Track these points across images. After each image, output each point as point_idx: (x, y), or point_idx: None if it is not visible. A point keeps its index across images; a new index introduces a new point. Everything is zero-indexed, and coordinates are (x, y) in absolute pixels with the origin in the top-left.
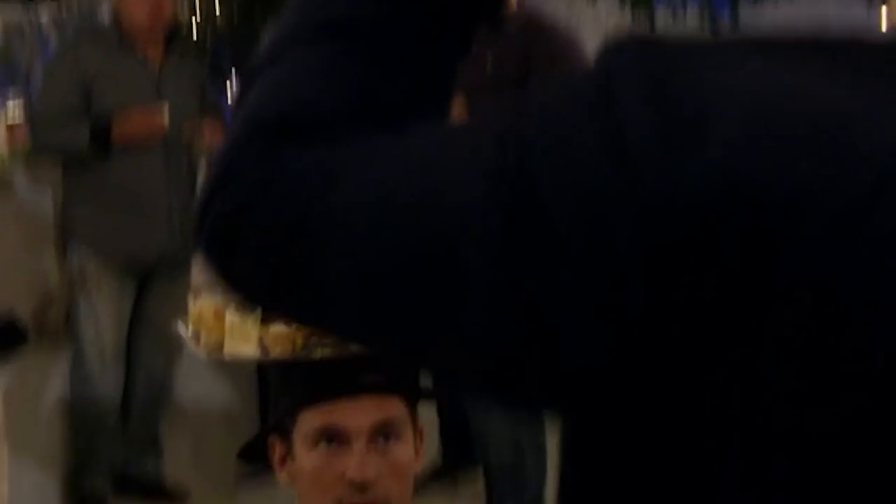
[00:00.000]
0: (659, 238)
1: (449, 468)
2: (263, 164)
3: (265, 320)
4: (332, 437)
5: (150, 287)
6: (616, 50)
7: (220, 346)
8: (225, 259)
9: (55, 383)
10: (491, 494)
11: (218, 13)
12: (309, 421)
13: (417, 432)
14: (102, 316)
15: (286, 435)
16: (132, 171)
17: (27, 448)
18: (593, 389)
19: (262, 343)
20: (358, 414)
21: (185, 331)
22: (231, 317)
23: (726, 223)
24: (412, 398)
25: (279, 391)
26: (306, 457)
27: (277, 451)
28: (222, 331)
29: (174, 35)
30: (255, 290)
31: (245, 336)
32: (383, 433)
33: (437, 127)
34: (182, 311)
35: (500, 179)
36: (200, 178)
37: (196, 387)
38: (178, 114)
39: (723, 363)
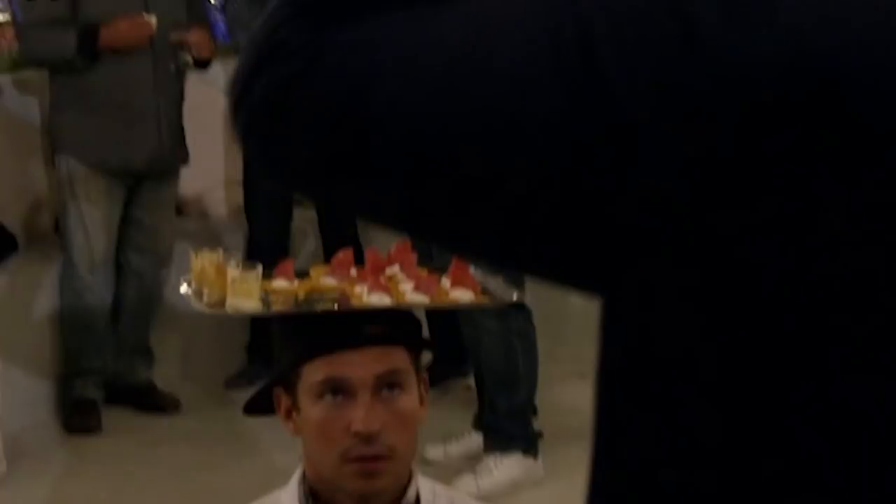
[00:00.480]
0: (724, 111)
1: (440, 376)
2: (312, 39)
3: (267, 275)
4: (337, 390)
5: (140, 193)
6: None
7: (222, 301)
8: (266, 137)
9: (46, 290)
10: (482, 399)
11: None
12: (313, 373)
13: (422, 382)
14: (91, 222)
15: (291, 388)
16: (120, 79)
17: (19, 355)
18: (658, 251)
19: (264, 298)
20: (362, 365)
21: (186, 287)
22: (233, 272)
23: (800, 98)
24: (415, 348)
25: (282, 345)
26: (311, 409)
27: (283, 403)
28: (224, 286)
29: None
30: (295, 169)
31: (247, 291)
32: (387, 384)
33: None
34: (171, 218)
35: (560, 56)
36: (187, 86)
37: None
38: (165, 22)
39: (793, 221)
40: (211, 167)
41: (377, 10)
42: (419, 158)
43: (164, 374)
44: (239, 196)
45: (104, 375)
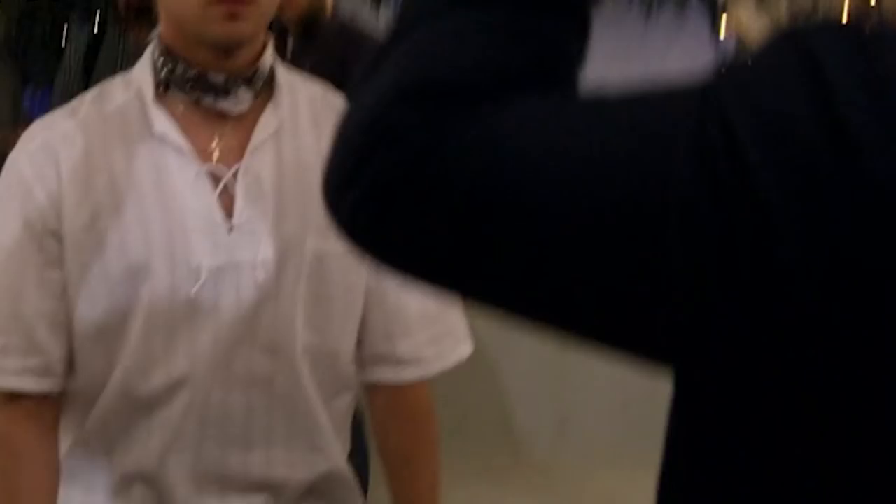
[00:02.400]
0: (877, 220)
1: None
2: (427, 125)
3: None
4: None
5: None
6: (816, 34)
7: None
8: (376, 224)
9: None
10: None
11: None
12: None
13: None
14: None
15: None
16: None
17: None
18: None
19: None
20: None
21: None
22: None
23: None
24: None
25: None
26: None
27: None
28: None
29: None
30: (405, 256)
31: None
32: None
33: (603, 93)
34: None
35: (704, 151)
36: None
37: None
38: None
39: None
40: None
41: (493, 99)
42: (539, 249)
43: None
44: None
45: None
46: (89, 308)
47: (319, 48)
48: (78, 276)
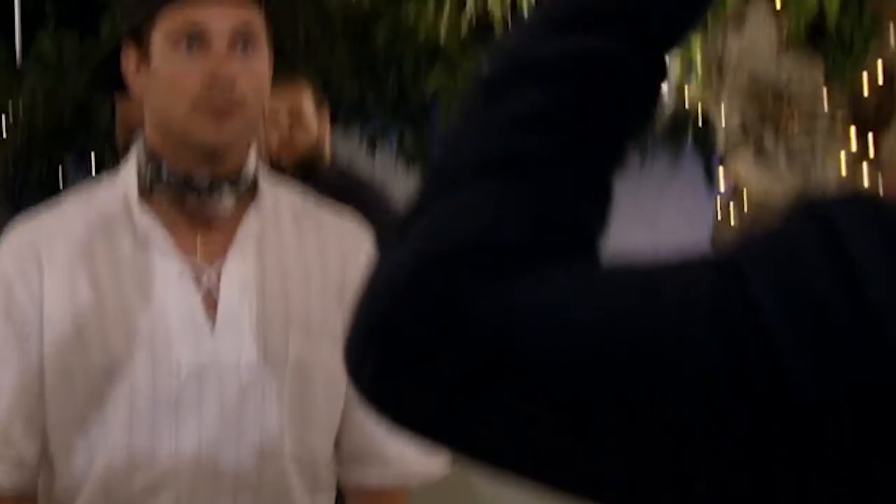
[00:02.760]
0: None
1: None
2: (451, 297)
3: None
4: (193, 40)
5: None
6: (837, 206)
7: None
8: (400, 385)
9: None
10: None
11: None
12: (171, 20)
13: (271, 49)
14: None
15: (142, 41)
16: None
17: None
18: None
19: None
20: (221, 16)
21: None
22: None
23: None
24: (268, 13)
25: None
26: (166, 58)
27: (132, 59)
28: None
29: None
30: (427, 416)
31: None
32: (242, 40)
33: (626, 262)
34: None
35: (726, 322)
36: None
37: None
38: None
39: None
40: None
41: (517, 268)
42: (559, 419)
43: None
44: None
45: None
46: (70, 405)
47: (317, 194)
48: (59, 372)
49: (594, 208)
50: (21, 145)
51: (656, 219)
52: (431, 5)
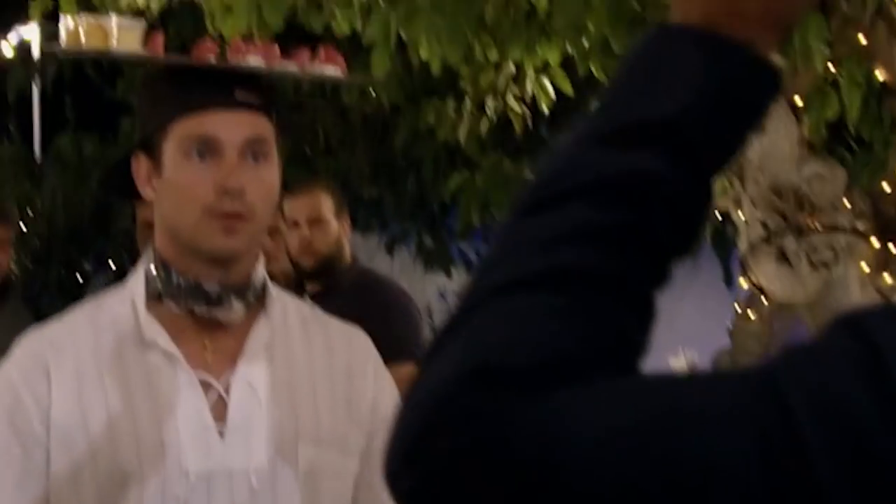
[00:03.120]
0: None
1: None
2: (493, 414)
3: None
4: (205, 150)
5: None
6: (877, 320)
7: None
8: (433, 499)
9: None
10: None
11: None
12: (183, 130)
13: (280, 157)
14: None
15: (154, 150)
16: None
17: None
18: None
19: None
20: (232, 126)
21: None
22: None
23: None
24: (279, 124)
25: (150, 105)
26: (177, 168)
27: (144, 167)
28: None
29: (6, 288)
30: None
31: (130, 41)
32: (253, 152)
33: (664, 378)
34: None
35: (765, 439)
36: None
37: None
38: None
39: None
40: None
41: (558, 385)
42: None
43: None
44: None
45: None
46: None
47: (338, 295)
48: (67, 479)
49: (637, 325)
50: (40, 247)
51: (675, 319)
52: (451, 107)
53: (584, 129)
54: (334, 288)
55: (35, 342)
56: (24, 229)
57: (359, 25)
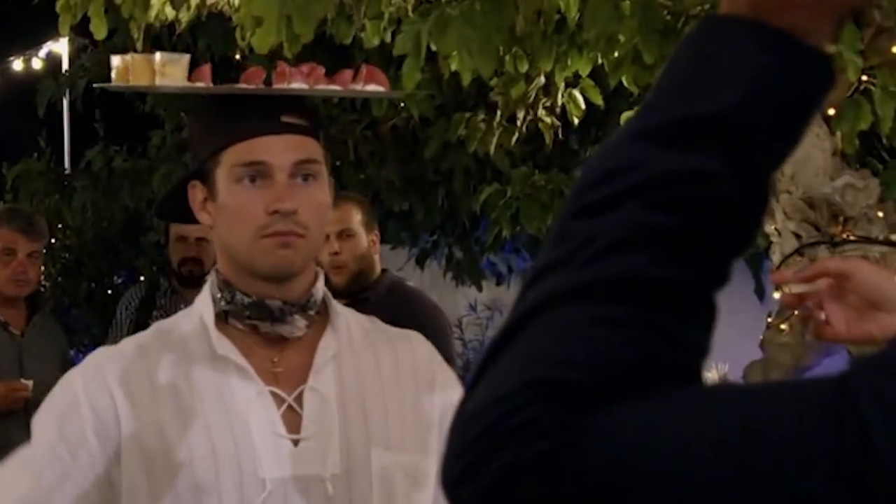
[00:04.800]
0: None
1: None
2: (559, 427)
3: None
4: (256, 174)
5: None
6: None
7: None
8: None
9: None
10: None
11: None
12: (234, 157)
13: (330, 181)
14: None
15: (207, 178)
16: None
17: None
18: None
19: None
20: (281, 150)
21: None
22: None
23: None
24: (326, 141)
25: (200, 135)
26: (230, 193)
27: (198, 195)
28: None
29: (36, 301)
30: None
31: (174, 74)
32: (302, 173)
33: (734, 386)
34: None
35: (842, 460)
36: None
37: None
38: (41, 383)
39: None
40: None
41: (623, 397)
42: None
43: None
44: None
45: None
46: None
47: (369, 309)
48: (146, 494)
49: (698, 329)
50: (69, 260)
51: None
52: (481, 119)
53: (634, 125)
54: (364, 301)
55: (104, 355)
56: (54, 242)
57: (388, 37)
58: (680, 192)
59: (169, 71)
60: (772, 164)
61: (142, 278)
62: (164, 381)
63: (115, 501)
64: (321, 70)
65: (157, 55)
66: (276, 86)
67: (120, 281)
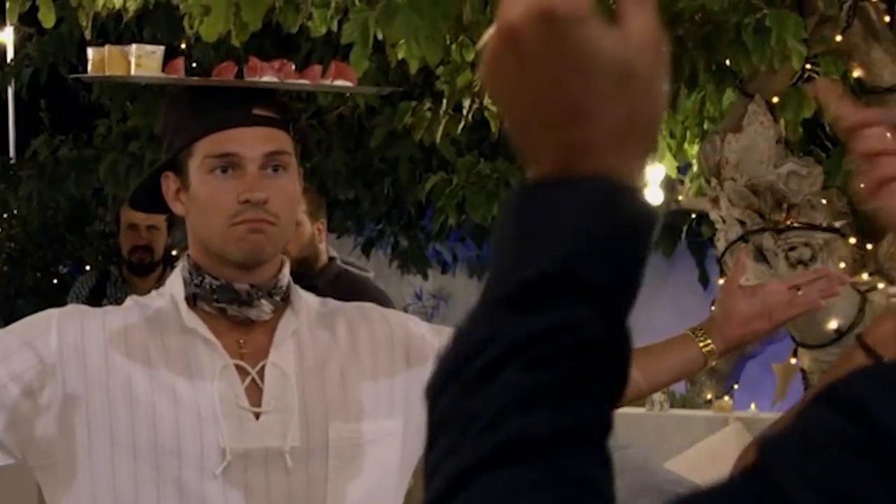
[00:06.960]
0: None
1: None
2: None
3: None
4: (227, 165)
5: None
6: (860, 382)
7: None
8: None
9: None
10: None
11: None
12: (206, 148)
13: (300, 173)
14: None
15: (180, 169)
16: None
17: None
18: None
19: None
20: (252, 142)
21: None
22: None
23: None
24: (296, 138)
25: (174, 127)
26: (202, 183)
27: (171, 186)
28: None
29: None
30: None
31: (150, 66)
32: (273, 164)
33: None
34: None
35: None
36: None
37: None
38: None
39: None
40: None
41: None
42: None
43: None
44: None
45: None
46: (116, 479)
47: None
48: (105, 449)
49: (607, 475)
50: (15, 250)
51: (650, 319)
52: (427, 108)
53: (489, 294)
54: (312, 289)
55: (86, 308)
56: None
57: (335, 26)
58: (546, 348)
59: (144, 63)
60: (621, 302)
61: (88, 268)
62: (139, 343)
63: (28, 448)
64: (291, 65)
65: (133, 47)
66: (247, 79)
67: (66, 271)
